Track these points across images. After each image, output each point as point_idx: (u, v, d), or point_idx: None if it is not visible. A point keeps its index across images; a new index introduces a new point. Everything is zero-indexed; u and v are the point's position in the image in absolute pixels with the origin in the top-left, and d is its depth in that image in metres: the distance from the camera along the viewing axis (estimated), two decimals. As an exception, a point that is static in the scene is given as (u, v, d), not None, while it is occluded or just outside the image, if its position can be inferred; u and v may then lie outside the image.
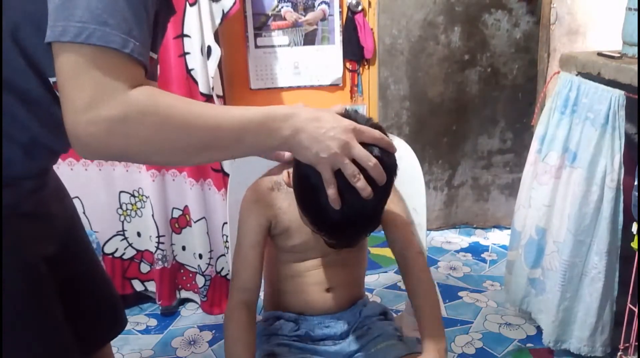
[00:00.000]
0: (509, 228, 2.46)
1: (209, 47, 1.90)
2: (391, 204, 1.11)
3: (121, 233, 2.16)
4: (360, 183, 0.83)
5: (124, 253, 2.18)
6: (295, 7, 2.52)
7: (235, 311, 1.02)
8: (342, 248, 0.99)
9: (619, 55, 1.67)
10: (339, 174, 0.83)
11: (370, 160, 0.83)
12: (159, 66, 1.01)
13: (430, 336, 1.01)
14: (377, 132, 0.86)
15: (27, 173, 0.88)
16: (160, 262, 2.14)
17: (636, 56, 1.63)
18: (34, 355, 0.90)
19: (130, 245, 2.18)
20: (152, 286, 2.21)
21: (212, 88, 1.94)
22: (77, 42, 0.69)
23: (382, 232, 1.17)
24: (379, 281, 2.35)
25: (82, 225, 1.17)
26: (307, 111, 0.83)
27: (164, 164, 0.75)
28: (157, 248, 2.12)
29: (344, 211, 0.85)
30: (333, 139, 0.81)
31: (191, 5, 1.84)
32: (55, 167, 2.20)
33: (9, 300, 0.85)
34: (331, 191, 0.84)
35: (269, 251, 1.14)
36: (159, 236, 2.10)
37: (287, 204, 1.07)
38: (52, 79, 0.82)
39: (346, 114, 0.89)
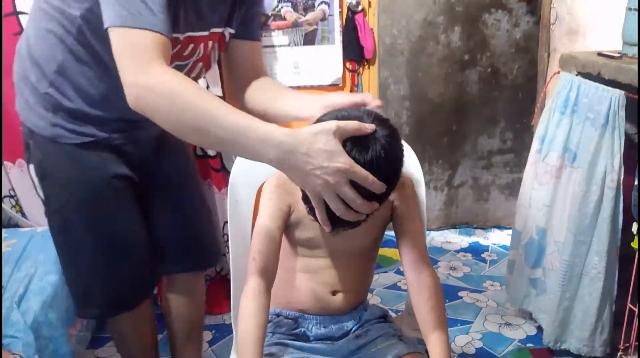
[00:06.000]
0: (509, 228, 2.46)
1: None
2: (409, 209, 1.12)
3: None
4: (346, 215, 0.85)
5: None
6: (295, 7, 2.52)
7: (255, 292, 1.00)
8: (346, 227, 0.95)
9: (619, 55, 1.67)
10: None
11: (355, 201, 0.83)
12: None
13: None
14: (370, 177, 0.83)
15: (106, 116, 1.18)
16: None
17: (636, 56, 1.63)
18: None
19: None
20: (151, 288, 2.20)
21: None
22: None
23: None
24: (379, 281, 2.35)
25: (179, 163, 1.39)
26: (299, 141, 0.81)
27: (175, 135, 0.90)
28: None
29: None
30: (319, 178, 0.81)
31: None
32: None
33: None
34: (320, 216, 0.87)
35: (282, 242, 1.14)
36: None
37: None
38: None
39: (348, 116, 0.88)
